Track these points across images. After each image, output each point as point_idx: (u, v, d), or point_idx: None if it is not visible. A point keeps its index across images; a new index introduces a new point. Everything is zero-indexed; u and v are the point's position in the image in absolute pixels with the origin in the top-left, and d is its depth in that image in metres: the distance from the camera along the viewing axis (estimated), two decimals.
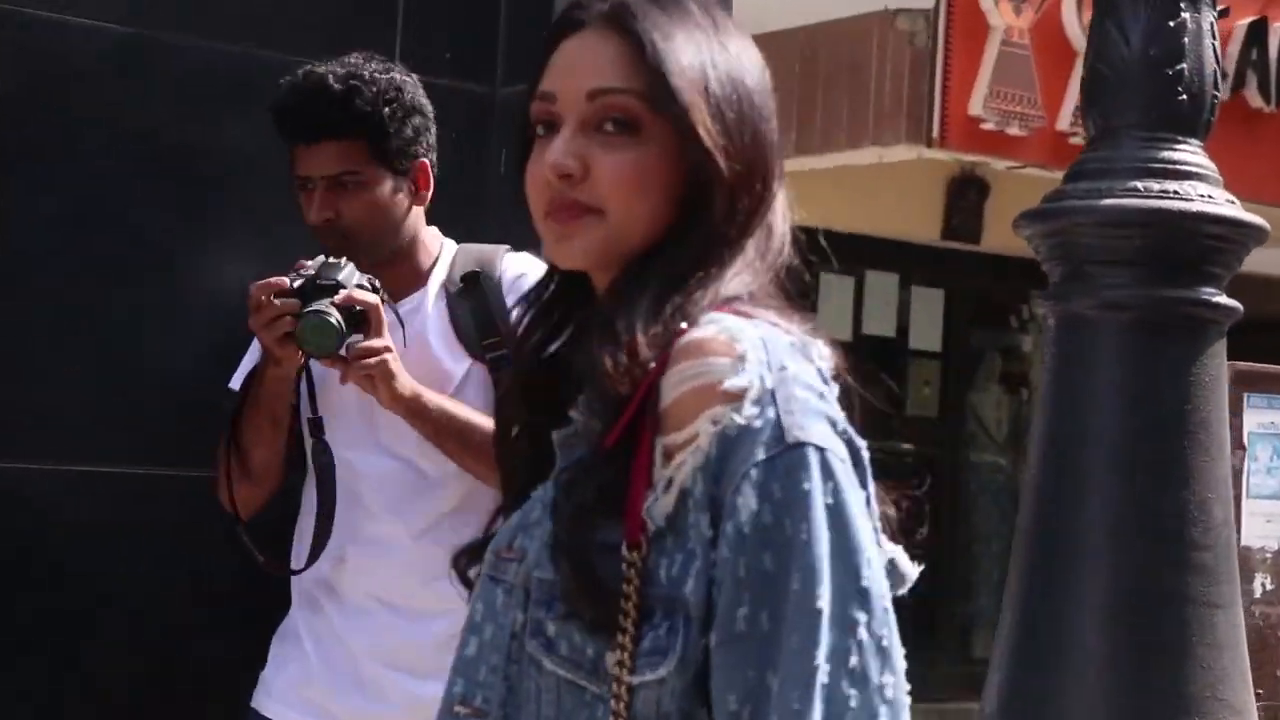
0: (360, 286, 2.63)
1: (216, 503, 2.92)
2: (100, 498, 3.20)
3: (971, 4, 7.97)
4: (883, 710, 1.34)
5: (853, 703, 1.32)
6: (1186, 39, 2.63)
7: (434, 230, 2.90)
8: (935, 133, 8.01)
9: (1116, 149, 2.67)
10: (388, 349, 2.60)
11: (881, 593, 1.37)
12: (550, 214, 1.52)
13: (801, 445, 1.36)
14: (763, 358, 1.39)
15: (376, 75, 2.71)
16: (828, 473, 1.36)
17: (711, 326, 1.41)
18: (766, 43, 6.70)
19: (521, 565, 1.48)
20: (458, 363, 2.73)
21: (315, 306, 2.59)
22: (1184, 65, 2.63)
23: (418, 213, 2.82)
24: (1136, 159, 2.64)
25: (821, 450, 1.37)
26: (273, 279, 2.67)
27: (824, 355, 1.46)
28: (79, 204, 3.30)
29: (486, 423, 2.57)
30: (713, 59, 1.52)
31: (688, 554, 1.39)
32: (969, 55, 8.01)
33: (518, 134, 1.61)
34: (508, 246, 2.86)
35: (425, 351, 2.74)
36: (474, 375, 2.73)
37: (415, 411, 2.64)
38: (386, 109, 2.69)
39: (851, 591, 1.35)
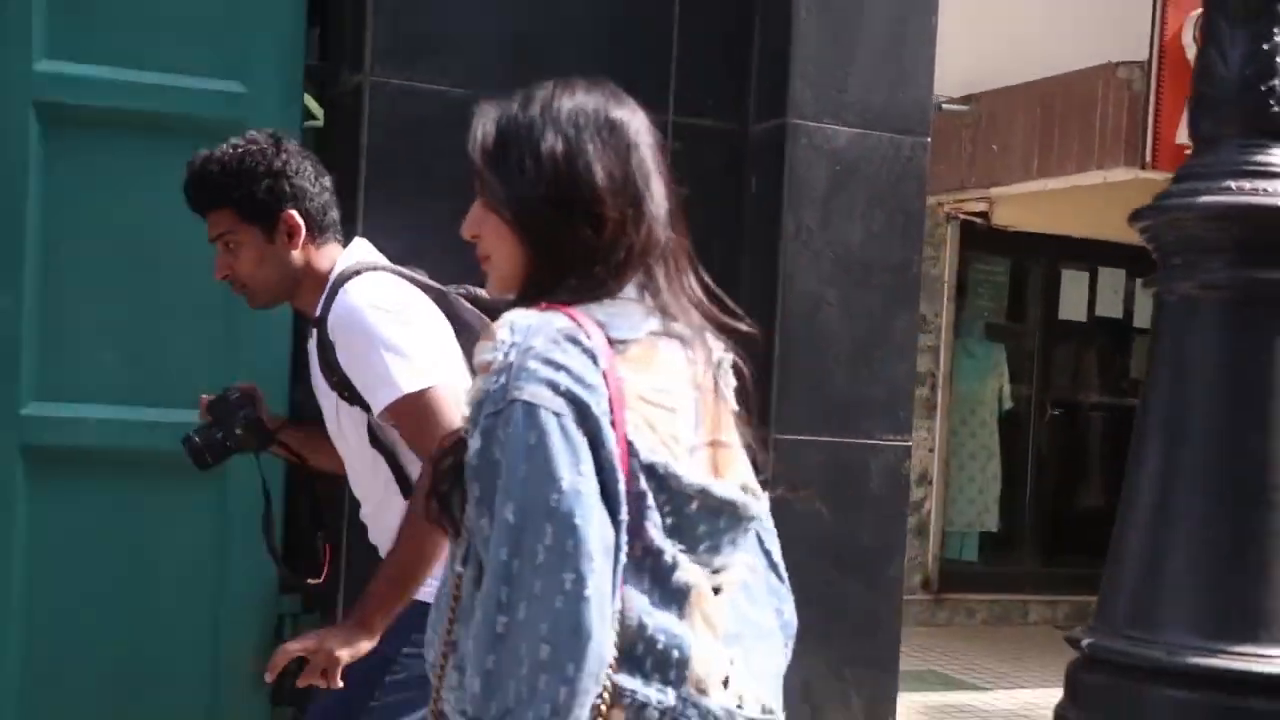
0: (238, 421, 2.51)
1: None
2: None
3: (1179, 55, 7.55)
4: (559, 598, 1.33)
5: (536, 589, 1.33)
6: (1279, 59, 2.31)
7: (344, 255, 2.53)
8: (1149, 158, 7.64)
9: (1215, 155, 2.36)
10: (323, 652, 2.20)
11: (570, 511, 1.34)
12: None
13: (514, 401, 1.37)
14: (515, 340, 1.41)
15: (226, 153, 2.43)
16: (532, 422, 1.36)
17: (502, 318, 1.45)
18: (1014, 93, 6.38)
19: None
20: (327, 396, 2.44)
21: (188, 432, 2.53)
22: (1275, 81, 2.31)
23: (304, 253, 2.47)
24: (1231, 163, 2.33)
25: (531, 405, 1.37)
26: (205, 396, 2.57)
27: (632, 333, 1.46)
28: (431, 232, 3.28)
29: (397, 572, 2.25)
30: (508, 127, 1.52)
31: None
32: (1176, 95, 7.55)
33: None
34: (355, 274, 2.43)
35: (317, 381, 2.49)
36: (341, 406, 2.41)
37: (373, 629, 2.28)
38: (232, 180, 2.41)
39: (541, 510, 1.34)
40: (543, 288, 1.49)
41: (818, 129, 3.49)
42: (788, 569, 3.46)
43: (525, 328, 1.42)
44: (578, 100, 1.53)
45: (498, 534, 1.36)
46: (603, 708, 1.37)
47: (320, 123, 3.53)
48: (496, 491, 1.37)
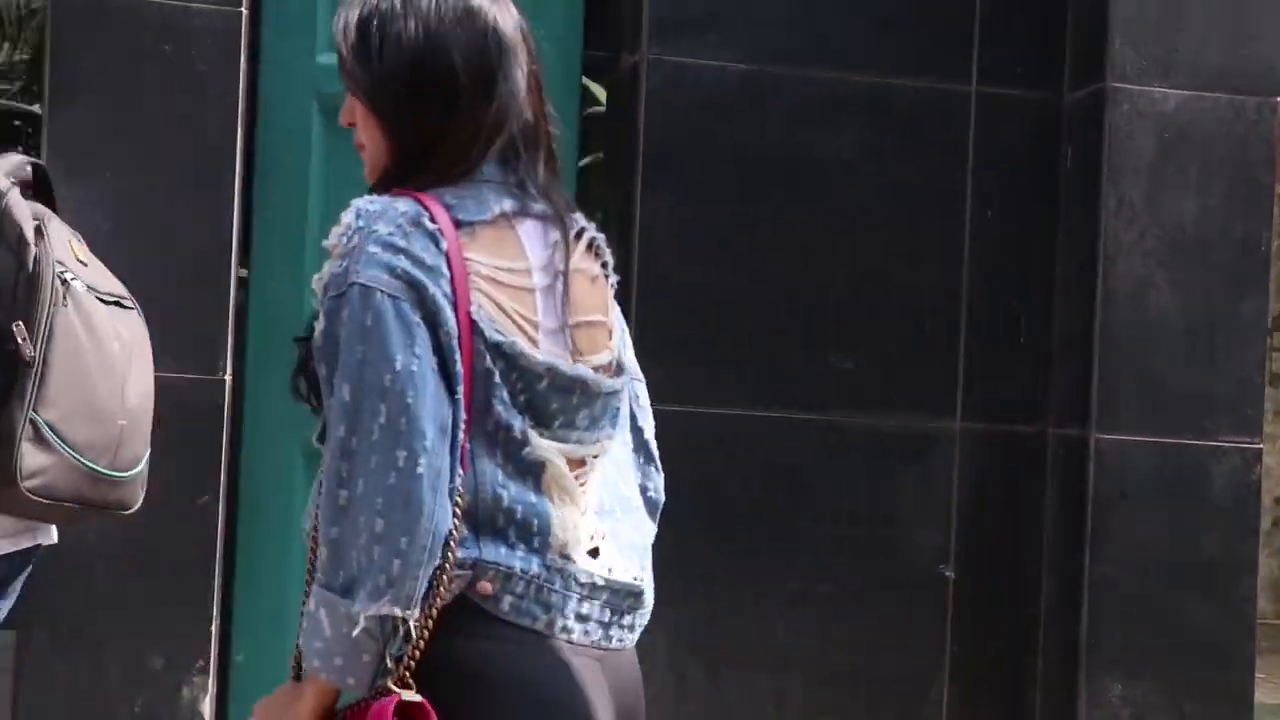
0: None
1: None
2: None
3: None
4: (393, 474, 1.36)
5: (372, 465, 1.37)
6: None
7: None
8: None
9: None
10: None
11: (402, 391, 1.38)
12: None
13: (353, 284, 1.40)
14: (359, 224, 1.43)
15: None
16: (368, 304, 1.40)
17: (351, 203, 1.47)
18: None
19: None
20: None
21: None
22: None
23: None
24: None
25: (368, 288, 1.40)
26: None
27: (481, 215, 1.48)
28: (711, 208, 3.10)
29: None
30: (369, 15, 1.50)
31: None
32: None
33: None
34: None
35: None
36: None
37: None
38: None
39: (375, 389, 1.38)
40: (399, 172, 1.52)
41: (1142, 93, 3.10)
42: (1118, 587, 3.10)
43: (369, 212, 1.44)
44: None
45: (337, 412, 1.40)
46: (445, 578, 1.40)
47: (603, 108, 3.40)
48: (330, 371, 1.42)
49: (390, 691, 1.38)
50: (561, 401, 1.50)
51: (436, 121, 1.50)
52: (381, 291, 1.40)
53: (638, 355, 1.66)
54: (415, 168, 1.51)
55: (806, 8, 3.11)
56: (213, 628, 2.84)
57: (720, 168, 3.07)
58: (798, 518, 3.08)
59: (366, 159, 1.57)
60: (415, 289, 1.41)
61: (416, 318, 1.41)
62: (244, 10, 2.85)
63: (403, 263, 1.41)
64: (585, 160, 3.46)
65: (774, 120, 3.10)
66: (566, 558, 1.47)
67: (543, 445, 1.48)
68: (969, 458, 3.14)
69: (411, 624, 1.38)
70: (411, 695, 1.38)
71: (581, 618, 1.48)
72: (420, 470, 1.37)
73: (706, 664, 3.02)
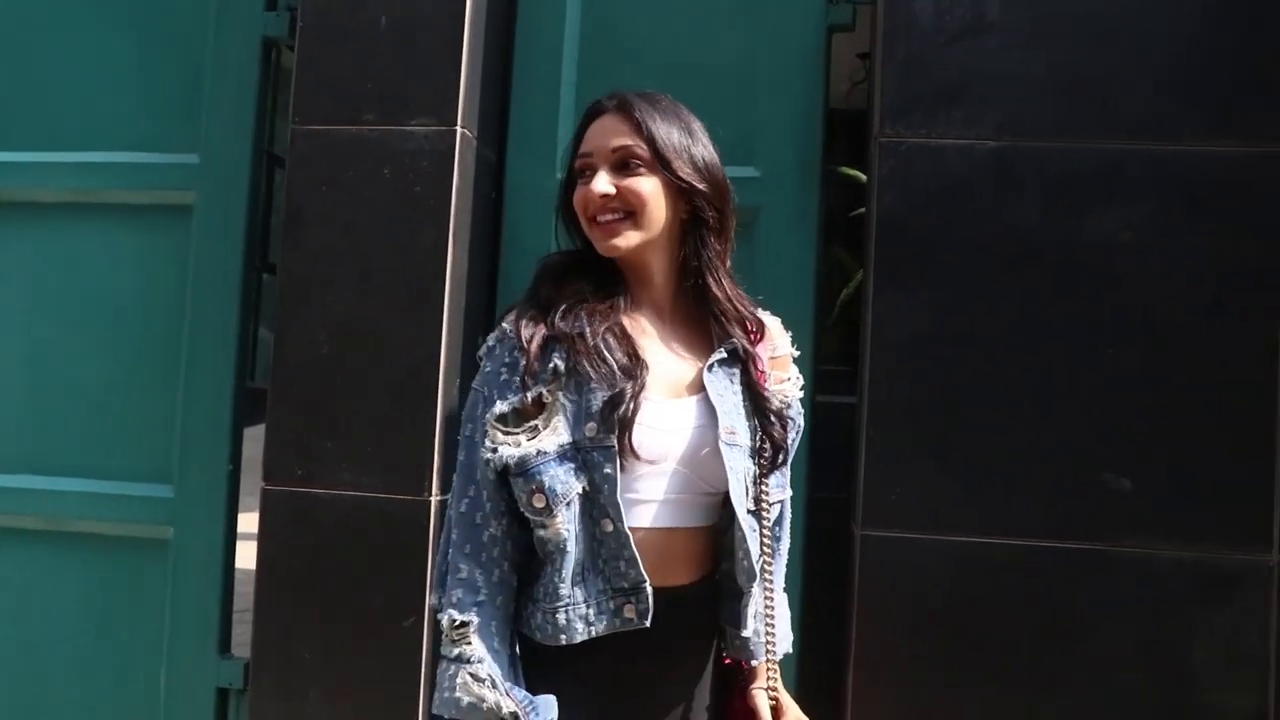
0: None
1: None
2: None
3: None
4: None
5: None
6: None
7: None
8: None
9: None
10: None
11: None
12: (594, 222, 1.86)
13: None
14: None
15: None
16: None
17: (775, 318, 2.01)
18: None
19: (741, 436, 1.87)
20: None
21: None
22: None
23: None
24: None
25: None
26: None
27: None
28: (950, 296, 2.69)
29: None
30: (680, 130, 1.88)
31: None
32: None
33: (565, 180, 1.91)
34: None
35: None
36: None
37: None
38: None
39: None
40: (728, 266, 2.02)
41: None
42: None
43: None
44: (699, 126, 1.95)
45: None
46: None
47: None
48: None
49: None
50: None
51: (730, 214, 1.98)
52: None
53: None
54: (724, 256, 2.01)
55: (1071, 71, 2.65)
56: None
57: (962, 256, 2.66)
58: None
59: (632, 233, 1.85)
60: None
61: None
62: (459, 129, 2.84)
63: None
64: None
65: (1023, 195, 2.66)
66: None
67: None
68: None
69: None
70: None
71: None
72: None
73: None
